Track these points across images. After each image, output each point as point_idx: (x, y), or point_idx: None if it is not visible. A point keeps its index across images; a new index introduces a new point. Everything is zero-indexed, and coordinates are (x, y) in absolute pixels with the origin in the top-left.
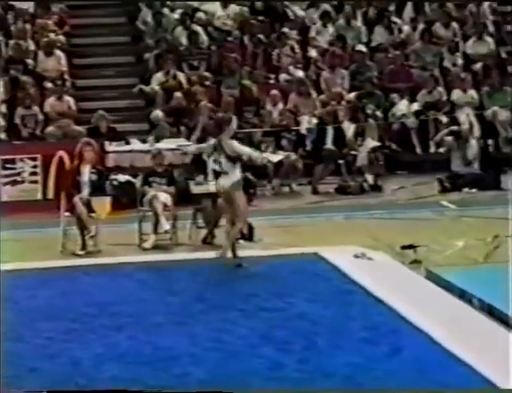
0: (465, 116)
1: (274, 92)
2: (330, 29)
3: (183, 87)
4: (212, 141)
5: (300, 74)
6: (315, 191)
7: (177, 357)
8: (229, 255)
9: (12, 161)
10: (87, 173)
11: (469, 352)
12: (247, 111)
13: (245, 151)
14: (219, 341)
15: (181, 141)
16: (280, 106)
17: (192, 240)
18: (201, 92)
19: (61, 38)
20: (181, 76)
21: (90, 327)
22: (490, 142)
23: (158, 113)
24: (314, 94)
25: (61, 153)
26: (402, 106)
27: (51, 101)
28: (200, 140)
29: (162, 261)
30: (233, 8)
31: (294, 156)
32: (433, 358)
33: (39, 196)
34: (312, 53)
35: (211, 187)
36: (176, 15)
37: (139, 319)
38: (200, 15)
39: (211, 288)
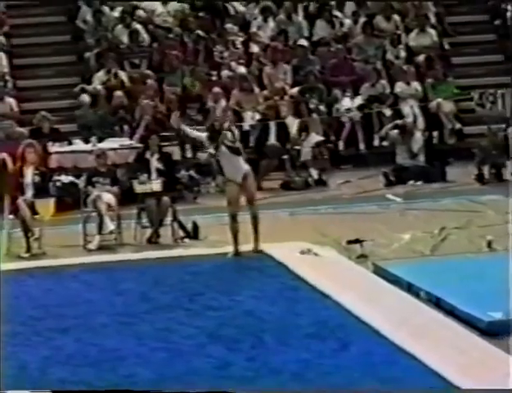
0: (409, 109)
1: (216, 88)
2: (272, 24)
3: (125, 85)
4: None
5: (242, 69)
6: (259, 188)
7: (124, 358)
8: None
9: None
10: (30, 175)
11: (418, 346)
12: (190, 108)
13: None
14: (166, 341)
15: (124, 140)
16: (223, 102)
17: (137, 240)
18: (143, 90)
19: (1, 38)
20: (123, 75)
21: (36, 330)
22: (435, 134)
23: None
24: (257, 90)
25: (3, 155)
26: (347, 103)
27: None
28: (143, 138)
29: (107, 262)
30: (173, 5)
31: None
32: (382, 352)
33: None
34: (254, 49)
35: (155, 185)
36: (116, 14)
37: (85, 321)
38: (140, 12)
39: (157, 288)
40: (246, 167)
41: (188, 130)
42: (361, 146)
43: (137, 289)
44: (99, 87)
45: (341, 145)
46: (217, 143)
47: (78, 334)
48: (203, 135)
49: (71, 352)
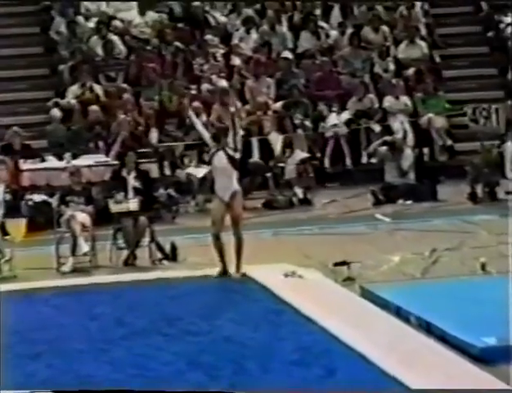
0: (399, 124)
1: (196, 103)
2: (254, 35)
3: (100, 100)
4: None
5: (223, 83)
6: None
7: (99, 384)
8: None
9: None
10: (0, 194)
11: (407, 372)
12: (168, 124)
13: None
14: (143, 368)
15: (100, 157)
16: (204, 117)
17: (113, 262)
18: (119, 104)
19: None
20: (98, 88)
21: (6, 356)
22: (425, 150)
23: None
24: (239, 104)
25: None
26: (333, 118)
27: None
28: (120, 155)
29: (81, 285)
30: (151, 15)
31: None
32: (369, 379)
33: None
34: (236, 61)
35: (131, 205)
36: (91, 24)
37: (58, 346)
38: (117, 23)
39: (133, 312)
40: (236, 186)
41: (194, 119)
42: (348, 163)
43: (113, 313)
44: (73, 101)
45: (327, 162)
46: (219, 145)
47: (51, 360)
48: (206, 133)
49: (43, 379)
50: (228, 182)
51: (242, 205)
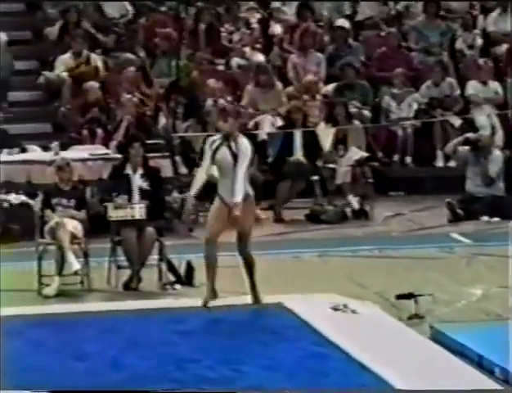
0: (486, 118)
1: (214, 83)
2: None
3: (99, 74)
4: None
5: (259, 57)
6: (278, 219)
7: None
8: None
9: None
10: None
11: None
12: (178, 103)
13: None
14: None
15: (97, 148)
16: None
17: (111, 284)
18: (123, 80)
19: None
20: (98, 59)
21: None
22: None
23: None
24: (279, 86)
25: None
26: (399, 108)
27: None
28: (122, 146)
29: (69, 313)
30: None
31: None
32: None
33: None
34: (276, 30)
35: (136, 211)
36: None
37: None
38: None
39: (134, 351)
40: (248, 188)
41: None
42: (418, 166)
43: (107, 352)
44: (64, 74)
45: (391, 164)
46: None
47: None
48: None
49: None
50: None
51: (253, 216)
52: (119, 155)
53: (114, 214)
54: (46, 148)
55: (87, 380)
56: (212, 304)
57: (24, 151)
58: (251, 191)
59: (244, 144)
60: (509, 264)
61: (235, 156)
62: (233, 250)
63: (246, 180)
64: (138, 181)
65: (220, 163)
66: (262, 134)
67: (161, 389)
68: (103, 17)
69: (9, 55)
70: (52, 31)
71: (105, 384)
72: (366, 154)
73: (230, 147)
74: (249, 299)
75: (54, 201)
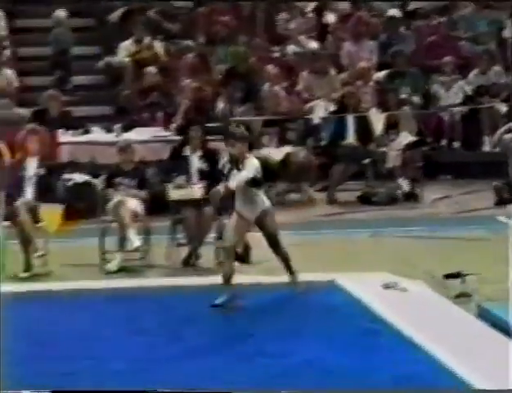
0: None
1: (272, 69)
2: None
3: (159, 59)
4: None
5: (314, 45)
6: (331, 200)
7: None
8: None
9: None
10: (32, 170)
11: None
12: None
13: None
14: None
15: (157, 130)
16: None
17: (170, 261)
18: (183, 66)
19: None
20: (158, 46)
21: (34, 372)
22: None
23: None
24: (332, 72)
25: None
26: (448, 95)
27: None
28: (182, 129)
29: (129, 288)
30: None
31: (303, 153)
32: None
33: None
34: (330, 18)
35: (195, 191)
36: None
37: (95, 364)
38: None
39: (192, 325)
40: (267, 203)
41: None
42: (465, 151)
43: (166, 326)
44: (125, 59)
45: (440, 148)
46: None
47: (86, 380)
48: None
49: None
50: (253, 200)
51: (276, 223)
52: (178, 138)
53: (174, 194)
54: (108, 130)
55: (147, 351)
56: (269, 281)
57: (87, 132)
58: (269, 204)
59: (252, 163)
60: None
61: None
62: (292, 229)
63: (263, 194)
64: (197, 162)
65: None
66: (316, 119)
67: (161, 389)
68: (169, 5)
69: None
70: (114, 17)
71: (164, 357)
72: (415, 139)
73: (240, 170)
74: (304, 276)
75: (116, 180)
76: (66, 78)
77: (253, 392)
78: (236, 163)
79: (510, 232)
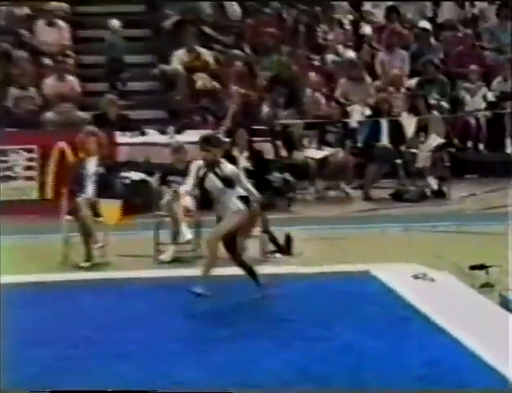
0: None
1: (314, 76)
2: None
3: (209, 67)
4: None
5: (351, 54)
6: (366, 197)
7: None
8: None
9: (4, 153)
10: (92, 169)
11: None
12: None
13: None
14: (246, 375)
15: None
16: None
17: (219, 252)
18: (231, 73)
19: (64, 5)
20: (208, 55)
21: (91, 354)
22: None
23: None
24: (368, 79)
25: (62, 144)
26: (474, 101)
27: (50, 82)
28: (230, 131)
29: (182, 277)
30: None
31: (341, 153)
32: None
33: (35, 195)
34: (366, 30)
35: None
36: None
37: (151, 346)
38: None
39: (239, 311)
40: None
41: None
42: (490, 152)
43: (215, 311)
44: (179, 67)
45: (466, 150)
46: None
47: (142, 361)
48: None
49: (132, 382)
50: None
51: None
52: (227, 139)
53: None
54: (162, 132)
55: (199, 334)
56: (307, 271)
57: (143, 134)
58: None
59: (229, 167)
60: None
61: (223, 181)
62: (327, 223)
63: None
64: (244, 162)
65: (211, 188)
66: (353, 122)
67: (161, 388)
68: (223, 17)
69: (121, 38)
70: (167, 25)
71: (214, 339)
72: (443, 141)
73: (216, 173)
74: (341, 267)
75: (169, 178)
76: (121, 84)
77: (253, 392)
78: (212, 166)
79: None
